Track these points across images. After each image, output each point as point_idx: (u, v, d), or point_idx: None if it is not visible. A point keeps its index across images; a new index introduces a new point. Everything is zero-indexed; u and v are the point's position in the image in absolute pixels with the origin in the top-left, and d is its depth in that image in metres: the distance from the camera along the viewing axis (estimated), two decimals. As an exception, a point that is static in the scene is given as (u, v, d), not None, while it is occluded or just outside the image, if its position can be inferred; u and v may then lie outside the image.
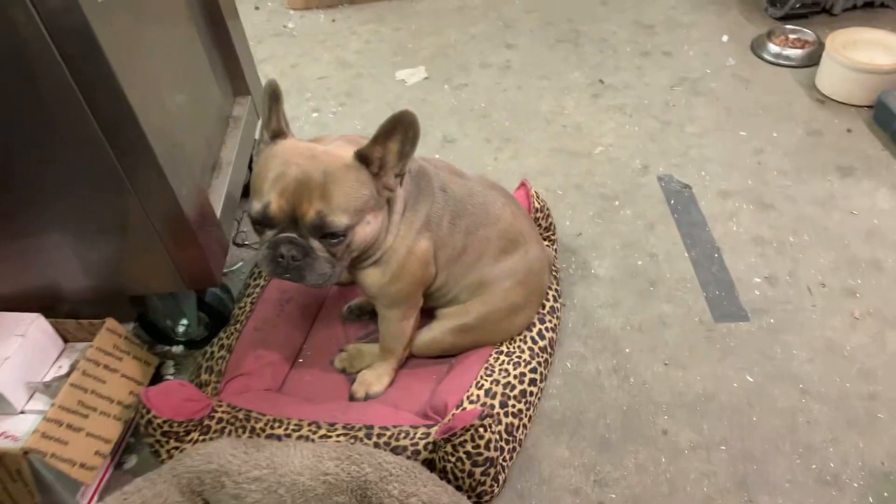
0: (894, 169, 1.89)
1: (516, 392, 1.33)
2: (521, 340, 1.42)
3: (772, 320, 1.55)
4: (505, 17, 2.72)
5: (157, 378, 1.50)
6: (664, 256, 1.71)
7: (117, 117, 1.08)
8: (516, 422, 1.31)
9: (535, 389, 1.37)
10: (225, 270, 1.75)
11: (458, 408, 1.28)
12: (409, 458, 1.20)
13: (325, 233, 1.09)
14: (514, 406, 1.31)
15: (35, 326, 1.32)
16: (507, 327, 1.41)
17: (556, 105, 2.24)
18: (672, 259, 1.71)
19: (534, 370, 1.38)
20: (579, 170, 1.99)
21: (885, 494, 1.25)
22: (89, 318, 1.41)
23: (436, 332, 1.39)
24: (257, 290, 1.56)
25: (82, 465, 1.21)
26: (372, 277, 1.26)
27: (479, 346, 1.42)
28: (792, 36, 2.36)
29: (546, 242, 1.64)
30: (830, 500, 1.24)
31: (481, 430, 1.15)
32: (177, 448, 1.26)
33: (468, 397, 1.30)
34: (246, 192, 1.65)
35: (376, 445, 1.23)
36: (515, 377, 1.35)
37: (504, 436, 1.26)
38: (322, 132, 2.21)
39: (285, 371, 1.47)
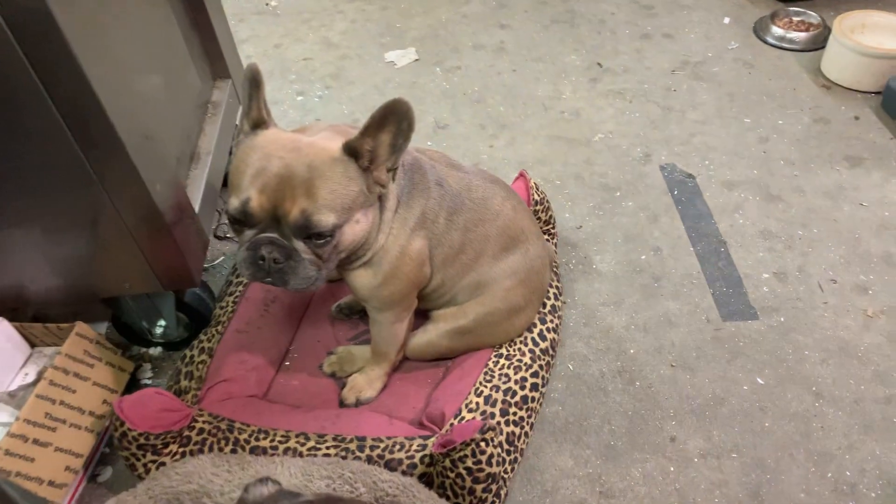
0: (904, 159, 1.82)
1: (517, 398, 1.25)
2: (521, 342, 1.34)
3: (782, 319, 1.48)
4: (498, -3, 2.61)
5: (133, 382, 1.41)
6: (668, 251, 1.64)
7: (81, 106, 0.97)
8: (518, 430, 1.23)
9: (536, 395, 1.29)
10: (205, 265, 1.65)
11: (456, 417, 1.20)
12: (404, 472, 1.12)
13: (310, 233, 0.99)
14: (515, 413, 1.24)
15: (-2, 332, 1.22)
16: (506, 329, 1.32)
17: (552, 89, 2.14)
18: (677, 254, 1.63)
19: (535, 374, 1.30)
20: (578, 158, 1.90)
21: (904, 505, 1.19)
22: (58, 320, 1.31)
23: (431, 335, 1.31)
24: (240, 288, 1.46)
25: (51, 483, 1.13)
26: (362, 279, 1.16)
27: (476, 349, 1.34)
28: (796, 18, 2.28)
29: (545, 236, 1.56)
30: (848, 512, 1.18)
31: (483, 444, 1.07)
32: (154, 462, 1.17)
33: (467, 405, 1.23)
34: (227, 180, 1.55)
35: (369, 458, 1.15)
36: (516, 382, 1.27)
37: (505, 446, 1.19)
38: (307, 117, 2.10)
39: (270, 376, 1.38)
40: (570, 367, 1.42)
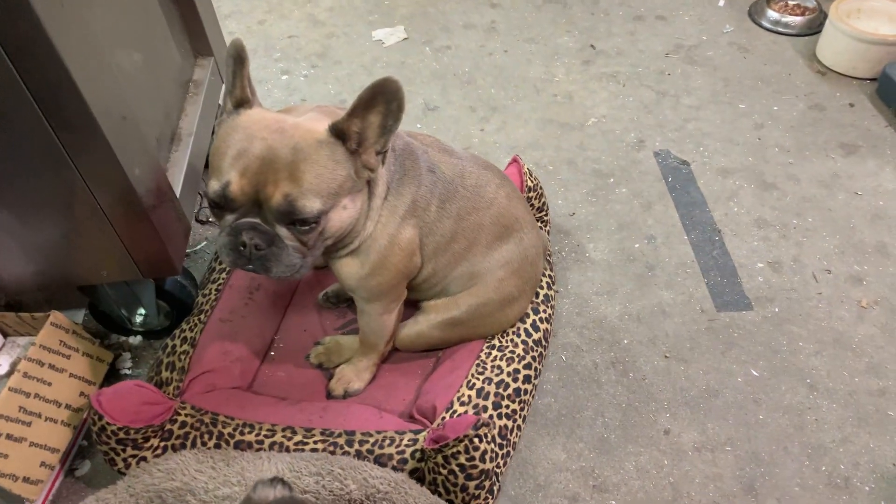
0: (899, 147, 1.81)
1: (510, 391, 1.22)
2: (514, 333, 1.31)
3: (776, 309, 1.46)
4: (489, -26, 2.54)
5: (112, 371, 1.36)
6: (662, 239, 1.61)
7: (53, 85, 0.91)
8: (510, 424, 1.20)
9: (529, 387, 1.26)
10: (187, 251, 1.59)
11: (448, 411, 1.17)
12: (395, 467, 1.09)
13: (294, 219, 0.94)
14: (507, 406, 1.21)
15: (-33, 322, 1.16)
16: (499, 320, 1.29)
17: (545, 72, 2.09)
18: (671, 242, 1.60)
19: (528, 366, 1.27)
20: (571, 143, 1.86)
21: (897, 498, 1.19)
22: (32, 308, 1.25)
23: (422, 326, 1.27)
24: (223, 275, 1.41)
25: (26, 480, 1.08)
26: (350, 269, 1.12)
27: (468, 340, 1.30)
28: (792, 2, 2.24)
29: (539, 224, 1.52)
30: (842, 506, 1.18)
31: (476, 440, 1.04)
32: (134, 456, 1.13)
33: (458, 398, 1.19)
34: (208, 162, 1.50)
35: (358, 453, 1.11)
36: (509, 374, 1.24)
37: (498, 440, 1.16)
38: (292, 97, 2.04)
39: (255, 367, 1.34)
40: (563, 358, 1.40)
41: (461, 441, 1.03)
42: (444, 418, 1.16)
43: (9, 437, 1.06)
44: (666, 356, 1.39)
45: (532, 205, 1.51)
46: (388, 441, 1.13)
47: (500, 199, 1.22)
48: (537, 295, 1.38)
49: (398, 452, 1.11)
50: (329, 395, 1.29)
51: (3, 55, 0.88)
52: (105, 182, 1.04)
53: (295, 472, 1.00)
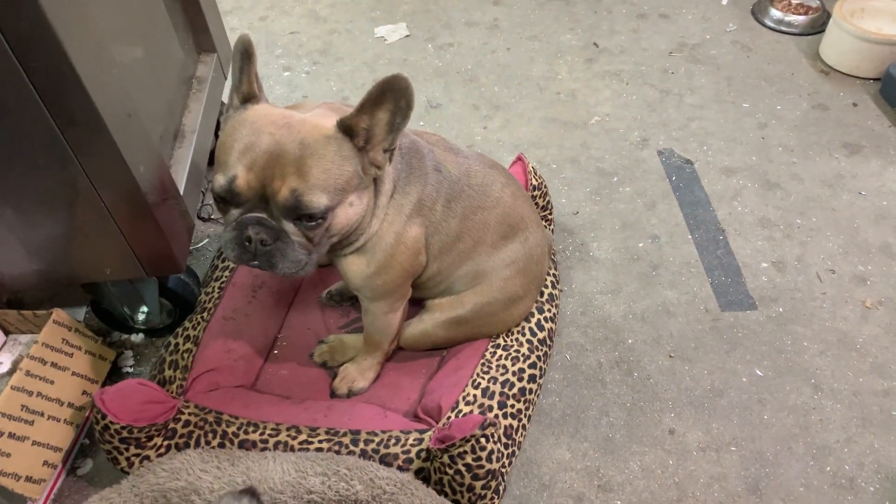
0: (903, 147, 1.80)
1: (515, 390, 1.22)
2: (518, 332, 1.31)
3: (780, 309, 1.46)
4: (491, -28, 2.53)
5: (114, 370, 1.35)
6: (666, 238, 1.61)
7: (58, 81, 0.90)
8: (515, 423, 1.20)
9: (534, 386, 1.26)
10: (189, 248, 1.58)
11: (453, 411, 1.17)
12: (400, 467, 1.09)
13: (301, 214, 0.93)
14: (513, 406, 1.20)
15: (-31, 319, 1.15)
16: (504, 319, 1.28)
17: (548, 69, 2.09)
18: (675, 241, 1.60)
19: (533, 365, 1.27)
20: (575, 142, 1.85)
21: (902, 499, 1.19)
22: (33, 306, 1.25)
23: (427, 325, 1.27)
24: (226, 273, 1.41)
25: (28, 479, 1.07)
26: (355, 267, 1.11)
27: (473, 339, 1.30)
28: (795, 1, 2.24)
29: (543, 223, 1.51)
30: (847, 507, 1.17)
31: (483, 440, 1.04)
32: (138, 455, 1.12)
33: (464, 398, 1.19)
34: (212, 159, 1.48)
35: (363, 452, 1.11)
36: (514, 374, 1.24)
37: (503, 440, 1.15)
38: (294, 93, 2.03)
39: (258, 365, 1.33)
40: (568, 357, 1.39)
41: (468, 441, 1.03)
42: (449, 418, 1.16)
43: (11, 435, 1.06)
44: (670, 356, 1.39)
45: (537, 203, 1.50)
46: (393, 440, 1.13)
47: (505, 198, 1.22)
48: (542, 294, 1.38)
49: (403, 452, 1.11)
50: (333, 394, 1.29)
51: (8, 50, 0.87)
52: (110, 180, 1.03)
53: (300, 471, 0.99)
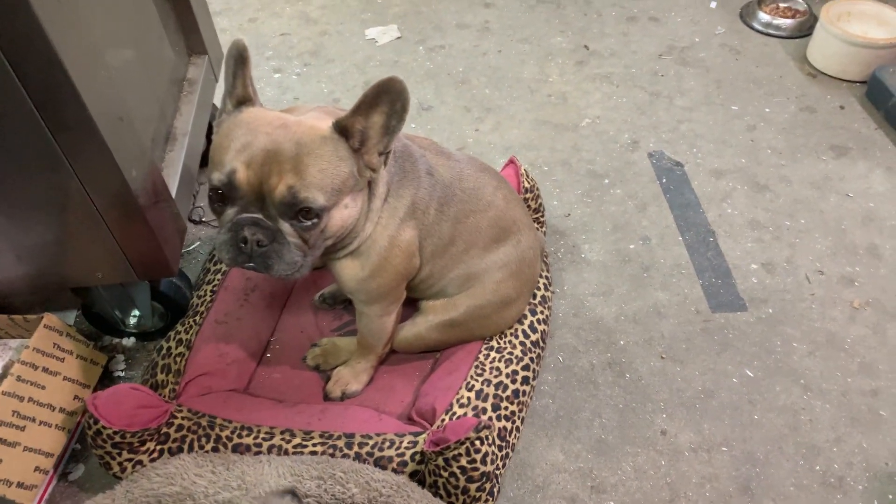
0: (889, 150, 1.83)
1: (509, 392, 1.23)
2: (511, 335, 1.31)
3: (770, 310, 1.48)
4: (481, -26, 2.54)
5: (105, 374, 1.34)
6: (657, 240, 1.62)
7: (50, 85, 0.90)
8: (509, 425, 1.21)
9: (527, 388, 1.27)
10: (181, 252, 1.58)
11: (447, 413, 1.17)
12: (395, 470, 1.09)
13: (298, 209, 0.93)
14: (506, 408, 1.21)
15: (-42, 324, 1.14)
16: (497, 321, 1.29)
17: (539, 72, 2.09)
18: (665, 243, 1.61)
19: (526, 367, 1.28)
20: (566, 144, 1.86)
21: (890, 497, 1.20)
22: (23, 309, 1.24)
23: (420, 328, 1.27)
24: (218, 276, 1.40)
25: (20, 485, 1.07)
26: (350, 271, 1.11)
27: (466, 342, 1.30)
28: (783, 4, 2.26)
29: (535, 225, 1.52)
30: (836, 506, 1.19)
31: (477, 443, 1.04)
32: (130, 460, 1.12)
33: (458, 400, 1.19)
34: (203, 161, 1.48)
35: (358, 456, 1.11)
36: (507, 376, 1.24)
37: (497, 442, 1.16)
38: (284, 95, 2.03)
39: (251, 369, 1.33)
40: (560, 359, 1.40)
41: (462, 443, 1.03)
42: (443, 420, 1.16)
43: (2, 441, 1.05)
44: (662, 357, 1.40)
45: (529, 206, 1.51)
46: (387, 443, 1.13)
47: (497, 201, 1.22)
48: (534, 296, 1.38)
49: (398, 455, 1.11)
50: (326, 398, 1.29)
51: (0, 55, 0.86)
52: (102, 183, 1.03)
53: (296, 475, 0.99)
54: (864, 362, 1.39)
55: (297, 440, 1.14)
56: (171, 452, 1.13)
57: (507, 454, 1.18)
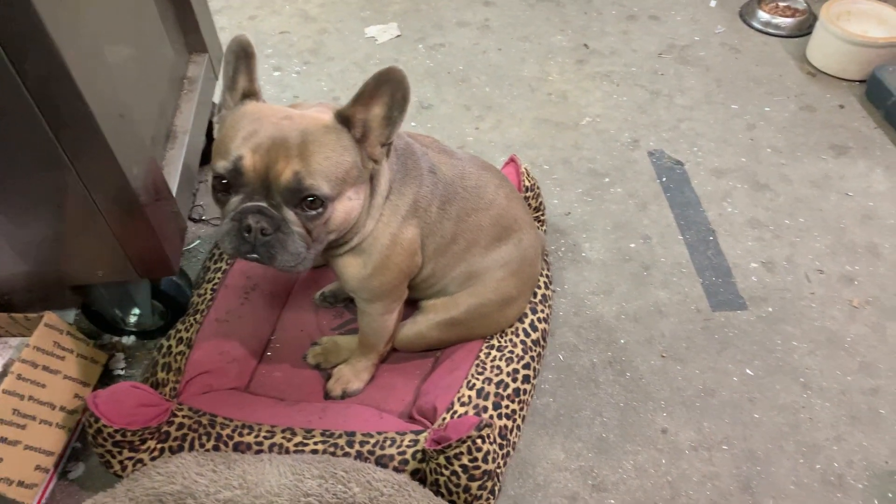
0: (888, 149, 1.83)
1: (510, 391, 1.23)
2: (512, 333, 1.31)
3: (770, 309, 1.48)
4: (481, -28, 2.53)
5: (105, 372, 1.34)
6: (658, 239, 1.62)
7: (51, 82, 0.90)
8: (510, 424, 1.21)
9: (528, 387, 1.27)
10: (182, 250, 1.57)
11: (448, 412, 1.17)
12: (396, 468, 1.09)
13: (303, 196, 0.93)
14: (507, 407, 1.21)
15: (-42, 322, 1.14)
16: (498, 320, 1.29)
17: (539, 70, 2.09)
18: (666, 242, 1.61)
19: (527, 366, 1.28)
20: (566, 143, 1.86)
21: (890, 495, 1.20)
22: (22, 308, 1.23)
23: (421, 326, 1.27)
24: (218, 275, 1.40)
25: (21, 484, 1.06)
26: (352, 269, 1.11)
27: (467, 341, 1.30)
28: (782, 3, 2.26)
29: (536, 224, 1.52)
30: (836, 504, 1.19)
31: (479, 441, 1.04)
32: (131, 458, 1.12)
33: (459, 399, 1.19)
34: (203, 160, 1.47)
35: (359, 454, 1.11)
36: (508, 374, 1.24)
37: (498, 440, 1.16)
38: (284, 93, 2.02)
39: (252, 367, 1.33)
40: (561, 358, 1.40)
41: (464, 442, 1.03)
42: (444, 419, 1.16)
43: (3, 440, 1.04)
44: (662, 356, 1.40)
45: (529, 204, 1.51)
46: (388, 442, 1.13)
47: (499, 200, 1.22)
48: (535, 295, 1.38)
49: (399, 453, 1.11)
50: (327, 396, 1.28)
51: (1, 52, 0.86)
52: (102, 181, 1.03)
53: (297, 474, 0.99)
54: (864, 361, 1.39)
55: (298, 438, 1.14)
56: (172, 451, 1.13)
57: (508, 453, 1.18)
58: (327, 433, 1.15)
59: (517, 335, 1.31)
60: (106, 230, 1.10)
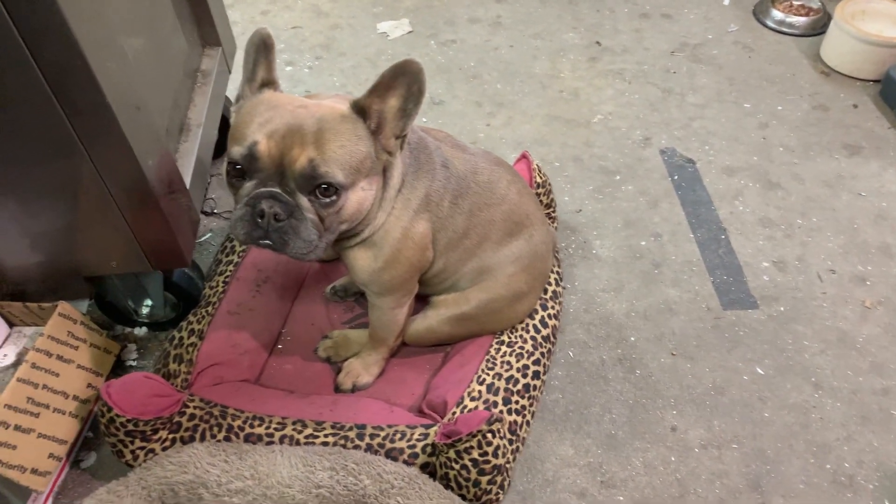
0: (902, 149, 1.82)
1: (519, 386, 1.23)
2: (522, 329, 1.31)
3: (781, 308, 1.47)
4: (493, -31, 2.53)
5: (118, 363, 1.35)
6: (668, 237, 1.62)
7: (69, 72, 0.90)
8: (520, 419, 1.21)
9: (538, 383, 1.27)
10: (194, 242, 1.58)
11: (458, 406, 1.17)
12: (406, 462, 1.09)
13: (317, 184, 0.93)
14: (517, 402, 1.21)
15: (-26, 311, 1.15)
16: (509, 316, 1.29)
17: (551, 67, 2.09)
18: (677, 240, 1.61)
19: (537, 362, 1.28)
20: (577, 140, 1.86)
21: (900, 496, 1.20)
22: (35, 298, 1.24)
23: (432, 321, 1.27)
24: (230, 268, 1.41)
25: (34, 471, 1.07)
26: (362, 262, 1.11)
27: (478, 336, 1.30)
28: (796, 2, 2.25)
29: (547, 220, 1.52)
30: (846, 504, 1.19)
31: (489, 436, 1.05)
32: (143, 448, 1.13)
33: (469, 394, 1.19)
34: (217, 153, 1.48)
35: (369, 447, 1.11)
36: (518, 370, 1.25)
37: (508, 435, 1.16)
38: (296, 88, 2.03)
39: (263, 359, 1.33)
40: (571, 354, 1.40)
41: (474, 436, 1.03)
42: (454, 413, 1.16)
43: (17, 427, 1.05)
44: (672, 354, 1.40)
45: (541, 201, 1.51)
46: (399, 435, 1.13)
47: (511, 195, 1.22)
48: (545, 291, 1.38)
49: (409, 447, 1.11)
50: (337, 389, 1.29)
51: (19, 40, 0.86)
52: (118, 172, 1.03)
53: (308, 465, 1.00)
54: (876, 361, 1.38)
55: (308, 430, 1.14)
56: (184, 441, 1.14)
57: (517, 448, 1.19)
58: (338, 426, 1.15)
59: (527, 331, 1.31)
60: (121, 221, 1.11)
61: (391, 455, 1.10)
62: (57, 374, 1.14)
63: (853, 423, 1.29)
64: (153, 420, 1.11)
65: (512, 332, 1.31)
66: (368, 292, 1.20)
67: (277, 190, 0.94)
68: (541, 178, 1.50)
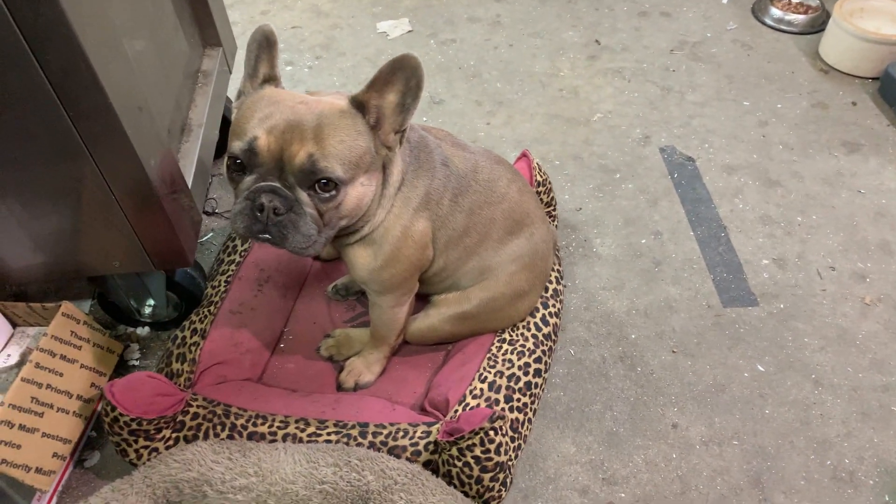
0: (901, 146, 1.82)
1: (521, 384, 1.23)
2: (524, 327, 1.32)
3: (781, 306, 1.48)
4: (493, -32, 2.53)
5: (120, 363, 1.35)
6: (669, 235, 1.62)
7: (72, 74, 0.91)
8: (521, 417, 1.21)
9: (539, 381, 1.27)
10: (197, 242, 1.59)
11: (460, 404, 1.18)
12: (408, 459, 1.10)
13: (317, 179, 0.94)
14: (518, 400, 1.22)
15: (-23, 311, 1.15)
16: (510, 314, 1.30)
17: (550, 66, 2.09)
18: (677, 238, 1.61)
19: (538, 360, 1.28)
20: (577, 138, 1.86)
21: (900, 492, 1.21)
22: (37, 297, 1.25)
23: (433, 320, 1.28)
24: (232, 267, 1.41)
25: (38, 470, 1.08)
26: (362, 260, 1.12)
27: (479, 334, 1.31)
28: (795, 0, 2.25)
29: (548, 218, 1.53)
30: (847, 500, 1.19)
31: (491, 433, 1.05)
32: (146, 447, 1.13)
33: (471, 391, 1.20)
34: (217, 153, 1.48)
35: (371, 445, 1.12)
36: (520, 368, 1.25)
37: (510, 433, 1.16)
38: (296, 87, 2.03)
39: (265, 358, 1.34)
40: (572, 352, 1.41)
41: (476, 434, 1.04)
42: (457, 411, 1.17)
43: (21, 427, 1.06)
44: (673, 351, 1.41)
45: (541, 199, 1.51)
46: (401, 433, 1.14)
47: (511, 193, 1.23)
48: (546, 290, 1.39)
49: (412, 444, 1.12)
50: (339, 388, 1.30)
51: (23, 42, 0.87)
52: (121, 173, 1.04)
53: (312, 462, 1.00)
54: (876, 358, 1.39)
55: (311, 429, 1.15)
56: (187, 440, 1.14)
57: (519, 445, 1.19)
58: (340, 424, 1.16)
59: (529, 329, 1.32)
60: (123, 221, 1.11)
61: (394, 453, 1.11)
62: (60, 374, 1.14)
63: (853, 419, 1.30)
64: (157, 419, 1.12)
65: (513, 331, 1.31)
66: (369, 291, 1.20)
67: (277, 184, 0.94)
68: (541, 176, 1.50)
